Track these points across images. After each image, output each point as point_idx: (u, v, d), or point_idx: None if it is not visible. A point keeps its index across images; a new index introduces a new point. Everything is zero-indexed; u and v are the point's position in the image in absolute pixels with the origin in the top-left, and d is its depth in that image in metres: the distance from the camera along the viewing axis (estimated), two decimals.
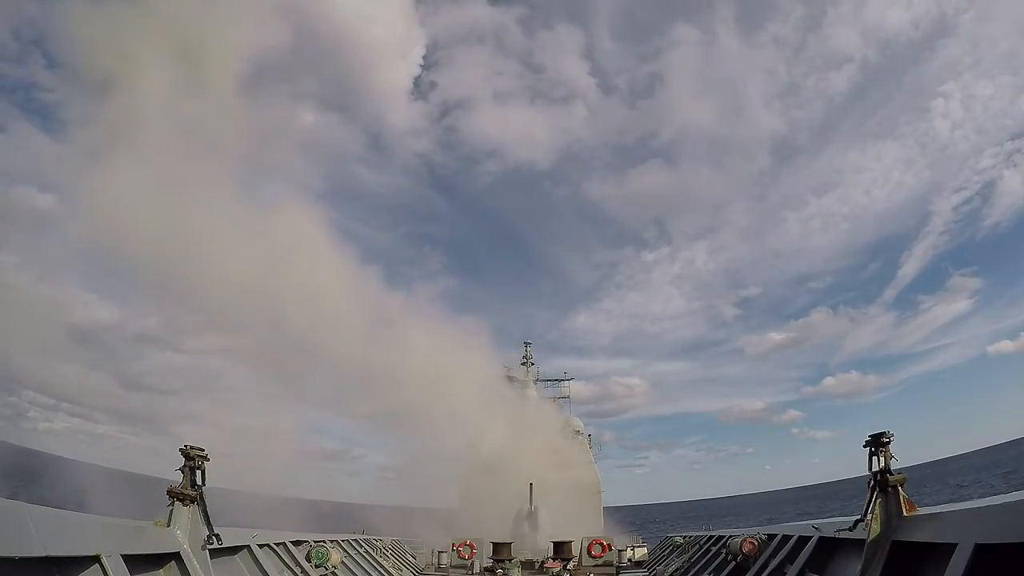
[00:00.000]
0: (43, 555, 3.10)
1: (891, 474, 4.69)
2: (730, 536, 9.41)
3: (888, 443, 4.79)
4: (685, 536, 14.39)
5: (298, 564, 7.79)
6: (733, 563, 8.45)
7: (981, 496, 14.72)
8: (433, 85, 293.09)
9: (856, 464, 4.98)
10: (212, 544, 5.23)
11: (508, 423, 23.76)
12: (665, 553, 15.30)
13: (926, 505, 4.63)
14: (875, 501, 4.71)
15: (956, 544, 3.37)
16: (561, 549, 13.74)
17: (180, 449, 5.13)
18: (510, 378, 28.06)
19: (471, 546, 14.63)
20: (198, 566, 4.96)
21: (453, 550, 14.75)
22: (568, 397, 29.54)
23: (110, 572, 3.64)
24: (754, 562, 7.75)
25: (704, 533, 12.76)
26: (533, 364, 29.21)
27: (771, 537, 7.83)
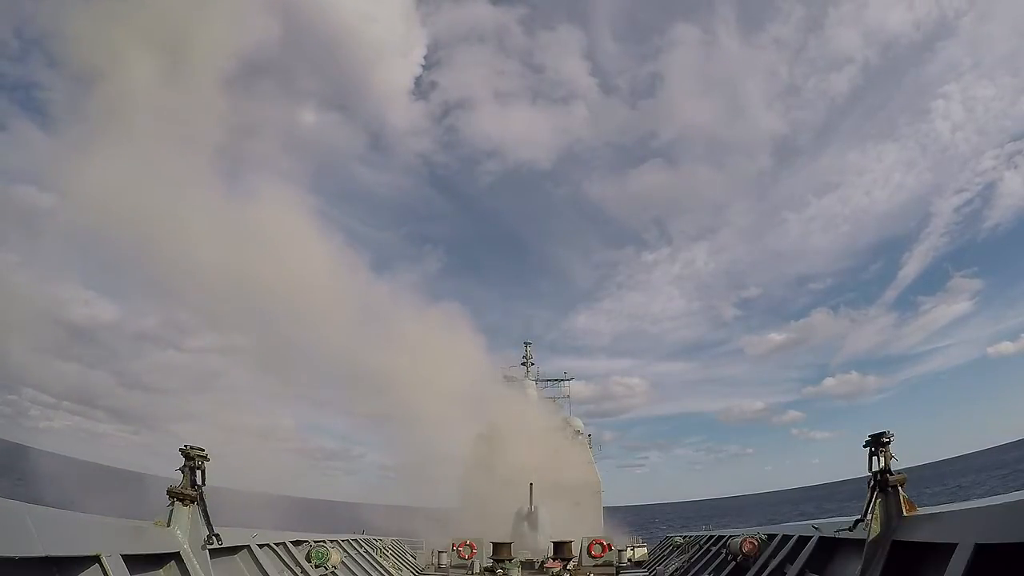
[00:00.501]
0: (43, 555, 3.10)
1: (891, 474, 4.68)
2: (730, 536, 9.40)
3: (888, 443, 4.79)
4: (685, 536, 14.39)
5: (298, 564, 7.79)
6: (733, 563, 8.45)
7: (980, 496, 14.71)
8: (434, 85, 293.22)
9: (857, 465, 4.99)
10: (212, 544, 5.23)
11: (508, 423, 23.77)
12: (665, 553, 15.30)
13: (926, 505, 4.63)
14: (875, 501, 4.71)
15: (956, 544, 3.36)
16: (561, 549, 13.73)
17: (180, 449, 5.12)
18: (509, 378, 28.09)
19: (471, 546, 14.63)
20: (198, 566, 4.95)
21: (453, 550, 14.75)
22: (568, 397, 29.61)
23: (110, 572, 3.63)
24: (754, 562, 7.74)
25: (704, 533, 12.76)
26: (533, 364, 29.25)
27: (771, 537, 7.83)
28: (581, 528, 16.77)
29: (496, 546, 13.48)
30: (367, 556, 11.77)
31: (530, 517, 16.49)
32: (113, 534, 4.01)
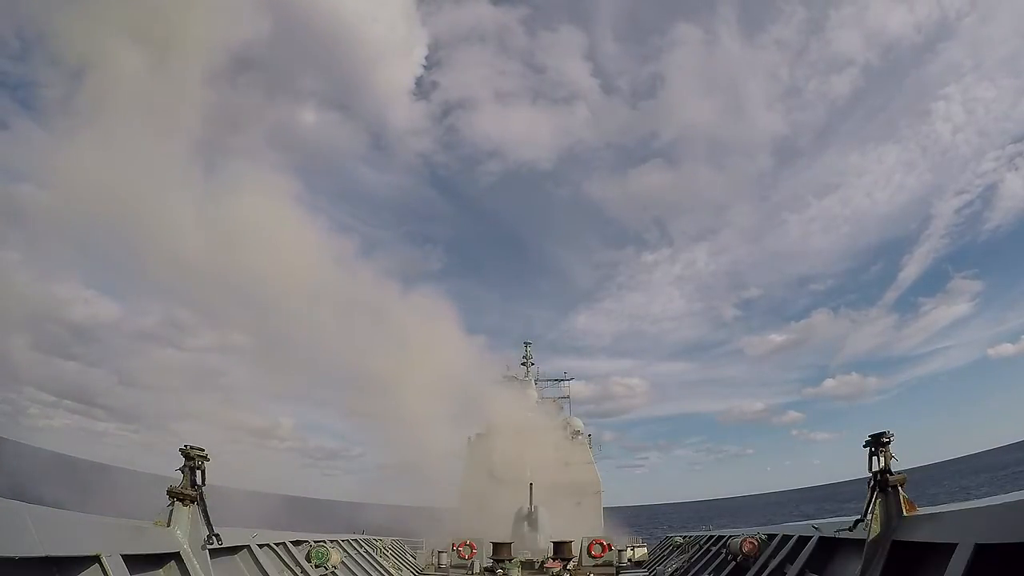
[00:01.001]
0: (43, 555, 3.10)
1: (891, 474, 4.68)
2: (730, 536, 9.40)
3: (888, 443, 4.78)
4: (685, 536, 14.38)
5: (298, 564, 7.79)
6: (733, 563, 8.45)
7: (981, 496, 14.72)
8: (435, 85, 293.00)
9: (857, 465, 4.98)
10: (212, 544, 5.22)
11: (508, 423, 23.79)
12: (665, 553, 15.29)
13: (926, 505, 4.63)
14: (875, 501, 4.70)
15: (956, 544, 3.36)
16: (561, 549, 13.72)
17: (180, 449, 5.12)
18: (510, 378, 28.10)
19: (471, 546, 14.62)
20: (198, 566, 4.95)
21: (453, 550, 14.74)
22: (568, 397, 29.61)
23: (110, 572, 3.63)
24: (754, 562, 7.74)
25: (704, 533, 12.75)
26: (533, 364, 29.28)
27: (771, 537, 7.82)
28: (581, 528, 16.77)
29: (496, 546, 13.48)
30: (367, 556, 11.78)
31: (530, 517, 16.49)
32: (113, 534, 4.01)
